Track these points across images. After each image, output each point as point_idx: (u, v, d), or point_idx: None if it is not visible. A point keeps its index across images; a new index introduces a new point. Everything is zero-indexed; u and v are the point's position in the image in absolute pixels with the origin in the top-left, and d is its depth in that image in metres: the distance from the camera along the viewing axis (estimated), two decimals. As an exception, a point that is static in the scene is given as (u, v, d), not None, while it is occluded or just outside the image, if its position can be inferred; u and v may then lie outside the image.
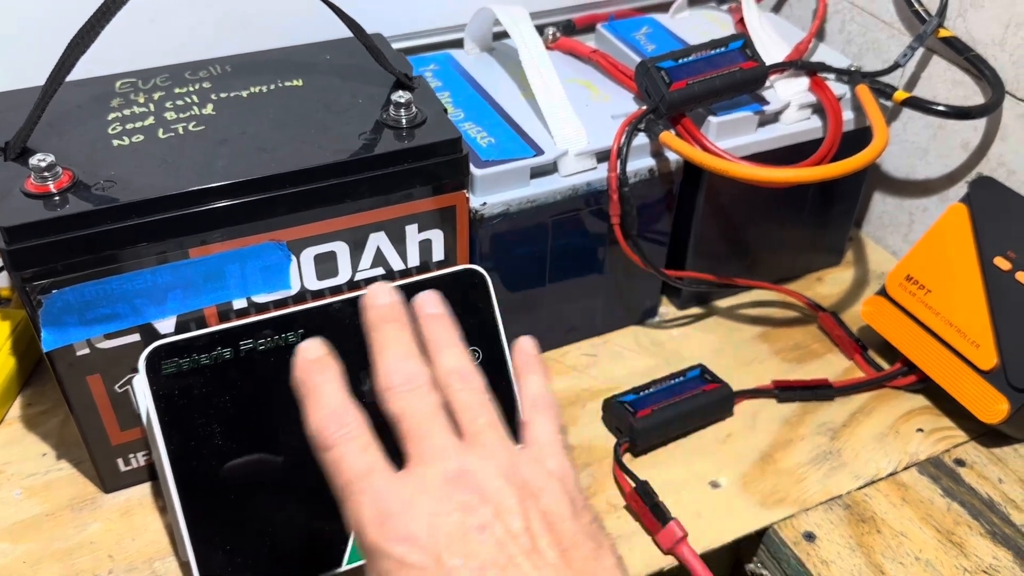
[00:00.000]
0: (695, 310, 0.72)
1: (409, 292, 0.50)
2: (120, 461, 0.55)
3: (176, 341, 0.47)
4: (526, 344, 0.44)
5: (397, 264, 0.56)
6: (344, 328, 0.50)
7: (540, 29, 0.69)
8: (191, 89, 0.55)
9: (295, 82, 0.57)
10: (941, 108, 0.66)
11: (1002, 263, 0.60)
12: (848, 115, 0.66)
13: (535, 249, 0.61)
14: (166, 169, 0.49)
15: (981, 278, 0.61)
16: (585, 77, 0.68)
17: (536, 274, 0.63)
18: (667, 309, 0.72)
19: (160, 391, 0.46)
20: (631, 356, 0.68)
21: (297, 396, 0.39)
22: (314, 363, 0.40)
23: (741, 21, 0.73)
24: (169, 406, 0.46)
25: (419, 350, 0.40)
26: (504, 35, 0.69)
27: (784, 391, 0.64)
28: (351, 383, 0.40)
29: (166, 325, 0.51)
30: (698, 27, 0.75)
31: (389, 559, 0.35)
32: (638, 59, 0.68)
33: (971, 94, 0.68)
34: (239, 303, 0.52)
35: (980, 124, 0.69)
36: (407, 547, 0.34)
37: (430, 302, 0.43)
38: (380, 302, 0.41)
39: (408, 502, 0.35)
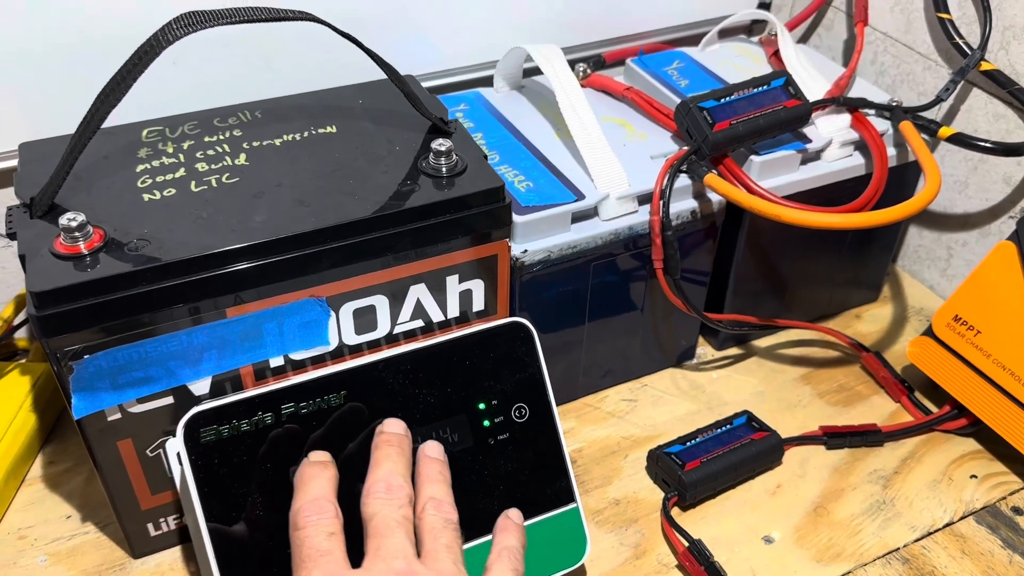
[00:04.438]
0: (734, 351, 0.70)
1: (455, 347, 0.49)
2: (150, 526, 0.53)
3: (215, 407, 0.44)
4: (514, 514, 0.49)
5: (437, 316, 0.54)
6: (385, 387, 0.48)
7: (571, 65, 0.67)
8: (221, 137, 0.53)
9: (328, 128, 0.55)
10: (988, 145, 0.64)
11: (1056, 304, 0.59)
12: (890, 151, 0.65)
13: (574, 293, 0.59)
14: (201, 226, 0.46)
15: (1033, 318, 0.59)
16: (619, 115, 0.66)
17: (574, 318, 0.61)
18: (704, 350, 0.70)
19: (199, 460, 0.44)
20: (671, 400, 0.66)
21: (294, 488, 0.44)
22: (316, 464, 0.44)
23: (775, 54, 0.71)
24: (208, 475, 0.44)
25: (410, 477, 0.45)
26: (534, 71, 0.67)
27: (833, 437, 0.62)
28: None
29: (201, 386, 0.49)
30: (729, 60, 0.73)
31: None
32: (672, 95, 0.67)
33: (1014, 128, 0.67)
34: (275, 361, 0.50)
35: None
36: None
37: (434, 449, 0.47)
38: (391, 431, 0.46)
39: None
